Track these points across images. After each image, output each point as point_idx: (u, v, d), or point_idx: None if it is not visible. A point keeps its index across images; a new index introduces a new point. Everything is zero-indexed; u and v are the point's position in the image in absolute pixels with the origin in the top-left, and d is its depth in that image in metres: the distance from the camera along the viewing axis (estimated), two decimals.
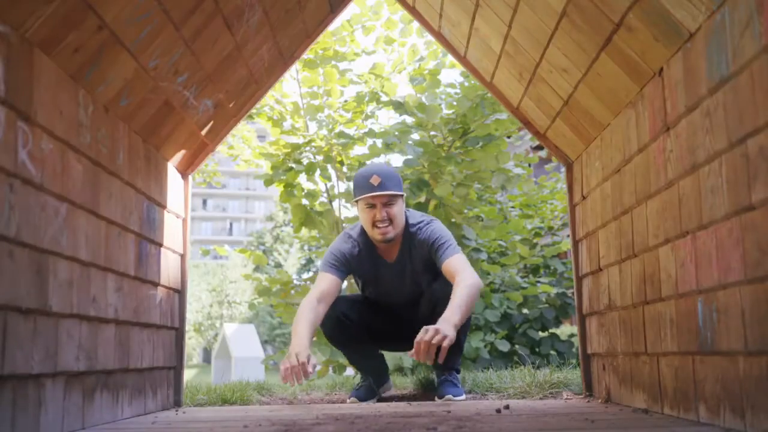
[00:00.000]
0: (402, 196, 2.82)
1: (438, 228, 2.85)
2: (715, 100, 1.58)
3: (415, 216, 2.94)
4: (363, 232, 2.89)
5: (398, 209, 2.79)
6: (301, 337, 2.51)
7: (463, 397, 2.81)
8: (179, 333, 2.69)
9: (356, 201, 2.83)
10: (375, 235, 2.79)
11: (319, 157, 5.08)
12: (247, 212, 54.82)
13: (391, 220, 2.76)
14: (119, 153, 2.09)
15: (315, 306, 2.64)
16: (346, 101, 5.27)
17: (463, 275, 2.60)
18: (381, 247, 2.88)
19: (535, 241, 6.14)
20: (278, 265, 31.35)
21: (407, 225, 2.87)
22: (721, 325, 1.57)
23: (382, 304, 3.04)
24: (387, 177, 2.77)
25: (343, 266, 2.82)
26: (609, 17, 1.94)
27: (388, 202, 2.76)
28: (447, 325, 2.32)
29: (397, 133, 4.82)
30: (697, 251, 1.70)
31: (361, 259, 2.87)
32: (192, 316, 29.39)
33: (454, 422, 1.78)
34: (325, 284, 2.74)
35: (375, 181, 2.75)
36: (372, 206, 2.76)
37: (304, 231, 5.35)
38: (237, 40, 2.43)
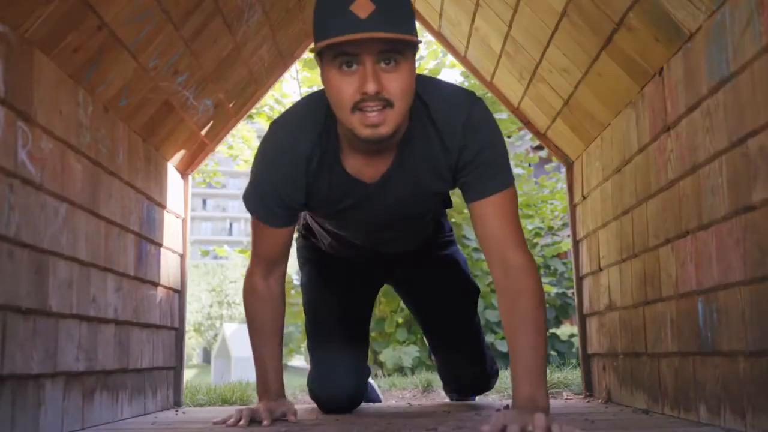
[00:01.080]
0: (417, 45, 1.43)
1: (492, 124, 1.57)
2: (716, 99, 1.58)
3: (434, 85, 1.60)
4: (328, 120, 1.55)
5: (408, 76, 1.41)
6: (269, 374, 1.75)
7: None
8: (179, 333, 2.69)
9: (317, 51, 1.41)
10: (356, 126, 1.41)
11: None
12: (247, 212, 54.72)
13: (388, 101, 1.39)
14: (119, 153, 2.09)
15: (269, 294, 1.74)
16: None
17: (519, 267, 1.51)
18: (359, 154, 1.56)
19: (535, 241, 6.14)
20: None
21: (419, 103, 1.54)
22: (721, 325, 1.57)
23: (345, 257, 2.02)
24: (386, 2, 1.36)
25: (291, 200, 1.64)
26: (609, 17, 1.94)
27: (390, 55, 1.37)
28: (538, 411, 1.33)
29: None
30: (697, 251, 1.69)
31: (319, 178, 1.60)
32: (192, 316, 29.40)
33: (454, 422, 1.78)
34: (270, 245, 1.71)
35: (362, 8, 1.33)
36: (351, 63, 1.37)
37: None
38: (237, 40, 2.43)
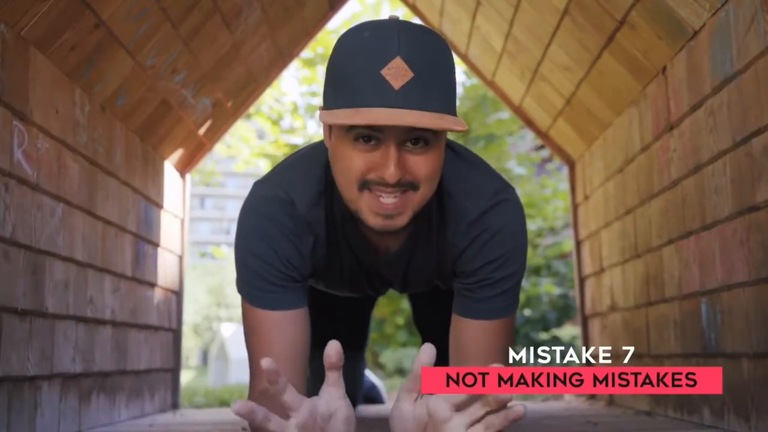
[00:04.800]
0: (446, 132, 1.17)
1: (513, 234, 1.28)
2: (719, 98, 1.56)
3: (463, 164, 1.32)
4: (329, 179, 1.27)
5: (438, 160, 1.16)
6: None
7: None
8: (177, 334, 2.67)
9: (326, 120, 1.12)
10: (364, 211, 1.16)
11: None
12: None
13: (413, 183, 1.14)
14: (116, 152, 2.07)
15: None
16: None
17: None
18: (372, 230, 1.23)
19: (537, 241, 6.13)
20: None
21: (442, 188, 1.27)
22: (725, 326, 1.55)
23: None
24: (427, 70, 1.08)
25: (299, 276, 1.28)
26: (612, 15, 1.92)
27: (420, 135, 1.11)
28: None
29: None
30: (701, 252, 1.68)
31: (331, 250, 1.33)
32: (190, 317, 29.38)
33: None
34: (282, 341, 1.23)
35: (397, 74, 1.07)
36: (370, 138, 1.11)
37: None
38: (235, 38, 2.41)
